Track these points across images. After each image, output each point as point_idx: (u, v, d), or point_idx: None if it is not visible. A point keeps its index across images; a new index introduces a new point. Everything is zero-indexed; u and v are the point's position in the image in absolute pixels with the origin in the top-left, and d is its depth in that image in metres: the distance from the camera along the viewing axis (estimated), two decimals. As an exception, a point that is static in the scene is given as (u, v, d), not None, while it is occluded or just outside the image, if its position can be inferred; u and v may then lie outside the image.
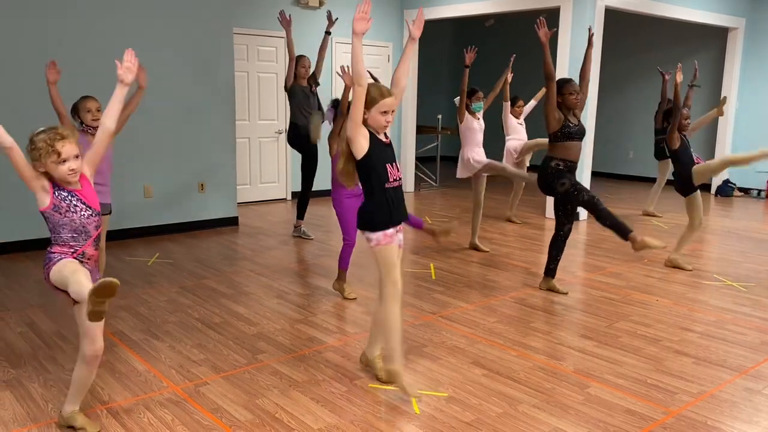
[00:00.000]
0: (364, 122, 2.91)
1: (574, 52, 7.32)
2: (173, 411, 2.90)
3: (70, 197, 2.52)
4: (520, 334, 3.91)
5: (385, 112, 2.91)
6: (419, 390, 3.10)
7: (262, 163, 8.42)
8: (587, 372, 3.38)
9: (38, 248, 5.67)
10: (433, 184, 10.34)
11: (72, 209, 2.51)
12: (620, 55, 10.83)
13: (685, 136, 5.47)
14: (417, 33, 2.98)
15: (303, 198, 6.52)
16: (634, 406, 3.01)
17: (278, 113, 8.47)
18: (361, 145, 2.88)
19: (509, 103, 7.14)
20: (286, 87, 6.35)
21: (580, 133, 4.57)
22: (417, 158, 10.14)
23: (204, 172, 6.73)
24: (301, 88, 6.32)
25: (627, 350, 3.69)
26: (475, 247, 6.04)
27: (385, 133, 3.03)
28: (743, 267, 5.61)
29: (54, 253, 2.55)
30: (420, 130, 10.16)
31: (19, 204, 5.61)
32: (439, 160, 10.69)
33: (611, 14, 7.71)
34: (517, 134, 7.28)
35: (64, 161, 2.46)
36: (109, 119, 2.65)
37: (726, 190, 9.87)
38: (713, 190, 10.00)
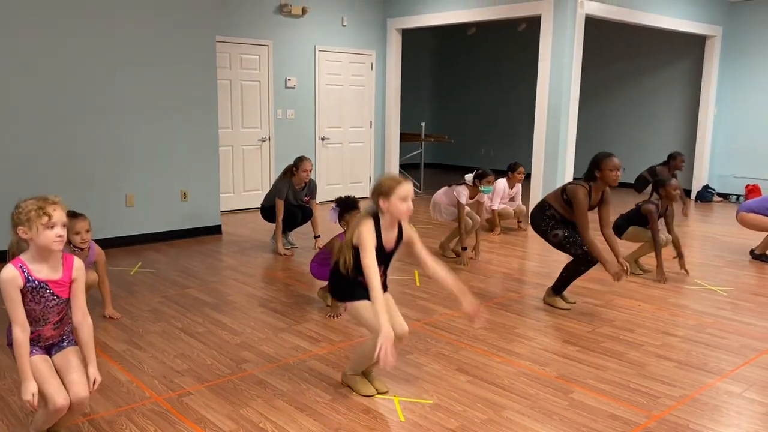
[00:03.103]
0: (384, 211, 2.95)
1: (555, 60, 7.39)
2: (156, 422, 2.87)
3: (40, 288, 2.43)
4: (504, 341, 3.93)
5: (405, 198, 2.92)
6: (404, 398, 3.11)
7: (246, 171, 8.40)
8: (571, 377, 3.40)
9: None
10: (417, 190, 10.37)
11: (36, 300, 2.44)
12: (600, 63, 10.96)
13: (660, 205, 5.41)
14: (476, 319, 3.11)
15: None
16: (617, 411, 3.03)
17: (261, 121, 8.46)
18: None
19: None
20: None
21: (591, 209, 4.39)
22: (401, 165, 10.17)
23: (187, 181, 6.69)
24: (293, 192, 6.11)
25: (610, 355, 3.72)
26: (456, 253, 6.04)
27: (399, 230, 3.04)
28: (723, 271, 5.69)
29: (12, 338, 2.45)
30: (403, 137, 10.20)
31: (3, 212, 5.54)
32: (423, 167, 10.74)
33: (591, 22, 7.80)
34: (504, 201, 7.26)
35: (53, 226, 2.39)
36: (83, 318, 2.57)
37: (706, 195, 10.01)
38: (693, 195, 10.13)
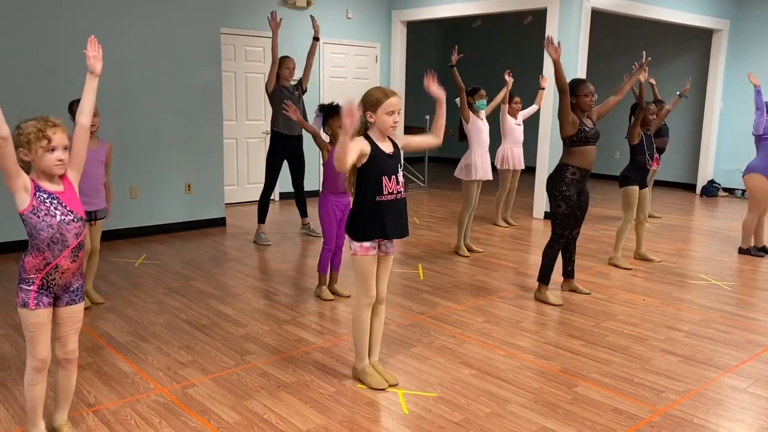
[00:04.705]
0: (372, 124, 2.96)
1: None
2: (161, 413, 2.88)
3: (50, 199, 2.38)
4: (508, 334, 3.93)
5: (391, 112, 2.94)
6: (408, 391, 3.11)
7: (250, 163, 8.39)
8: (575, 371, 3.40)
9: (23, 250, 5.61)
10: (421, 184, 10.36)
11: (51, 213, 2.37)
12: (605, 56, 10.90)
13: (648, 133, 5.56)
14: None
15: (299, 198, 6.56)
16: (622, 405, 3.03)
17: (266, 114, 8.43)
18: (362, 154, 2.93)
19: (507, 105, 7.00)
20: (267, 90, 6.04)
21: (596, 137, 4.41)
22: (405, 159, 10.09)
23: (191, 173, 6.69)
24: (284, 89, 6.05)
25: (614, 349, 3.71)
26: (469, 249, 5.97)
27: (392, 141, 3.05)
28: (728, 266, 5.67)
29: (25, 275, 2.43)
30: (408, 130, 10.12)
31: (2, 205, 5.55)
32: (427, 160, 10.71)
33: (596, 15, 7.76)
34: (513, 137, 7.15)
35: (53, 149, 2.35)
36: (83, 116, 2.54)
37: (711, 190, 9.96)
38: (698, 190, 10.09)
